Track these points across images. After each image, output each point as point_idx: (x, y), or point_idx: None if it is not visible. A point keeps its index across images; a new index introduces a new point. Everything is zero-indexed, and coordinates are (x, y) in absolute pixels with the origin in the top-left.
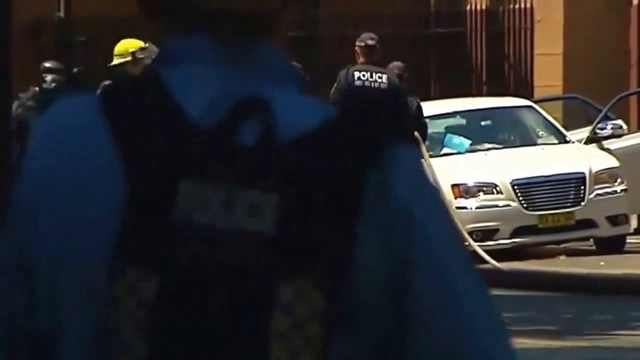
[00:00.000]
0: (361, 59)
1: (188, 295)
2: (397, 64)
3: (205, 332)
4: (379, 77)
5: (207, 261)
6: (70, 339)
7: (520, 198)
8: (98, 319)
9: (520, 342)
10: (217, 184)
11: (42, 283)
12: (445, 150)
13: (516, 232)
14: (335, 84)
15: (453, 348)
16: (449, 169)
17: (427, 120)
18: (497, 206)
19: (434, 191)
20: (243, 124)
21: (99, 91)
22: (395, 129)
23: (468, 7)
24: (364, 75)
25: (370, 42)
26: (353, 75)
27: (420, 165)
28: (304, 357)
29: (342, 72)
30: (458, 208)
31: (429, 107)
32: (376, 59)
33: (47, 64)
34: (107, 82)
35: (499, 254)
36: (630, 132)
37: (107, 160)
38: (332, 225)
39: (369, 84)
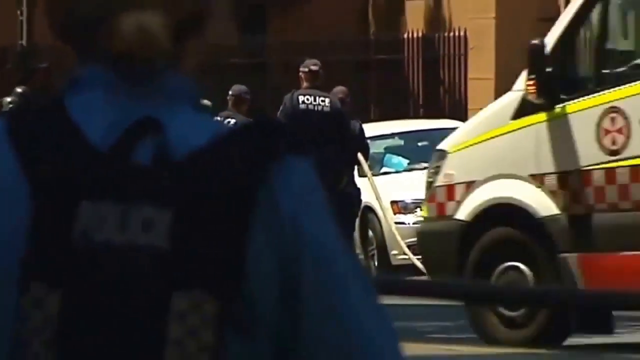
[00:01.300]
0: (305, 84)
1: (89, 308)
2: (340, 88)
3: (107, 343)
4: (322, 101)
5: (105, 276)
6: None
7: None
8: (11, 333)
9: (452, 349)
10: (114, 203)
11: None
12: (384, 170)
13: None
14: (281, 107)
15: (343, 351)
16: (388, 187)
17: (368, 141)
18: None
19: (322, 198)
20: (138, 144)
21: (4, 115)
22: (289, 140)
23: (406, 35)
24: (307, 99)
25: (313, 68)
26: (297, 99)
27: (311, 174)
28: None
29: (287, 96)
30: (397, 223)
31: (370, 129)
32: (319, 83)
33: (18, 89)
34: (10, 105)
35: None
36: None
37: (13, 181)
38: (223, 238)
39: (312, 107)
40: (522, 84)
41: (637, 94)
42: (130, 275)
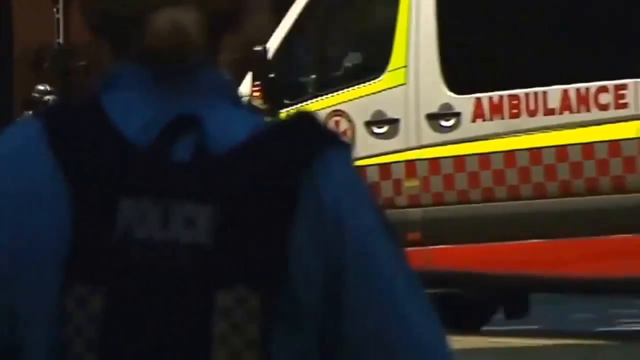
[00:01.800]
0: None
1: (133, 307)
2: None
3: (152, 342)
4: None
5: (148, 274)
6: (28, 353)
7: None
8: (55, 334)
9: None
10: (154, 200)
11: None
12: None
13: None
14: None
15: (390, 344)
16: None
17: None
18: None
19: (364, 191)
20: (177, 141)
21: (41, 116)
22: (327, 135)
23: None
24: None
25: None
26: None
27: (352, 167)
28: (245, 357)
29: None
30: None
31: None
32: None
33: (40, 87)
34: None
35: None
36: None
37: (51, 182)
38: (266, 234)
39: None
40: (247, 89)
41: (360, 97)
42: (173, 273)
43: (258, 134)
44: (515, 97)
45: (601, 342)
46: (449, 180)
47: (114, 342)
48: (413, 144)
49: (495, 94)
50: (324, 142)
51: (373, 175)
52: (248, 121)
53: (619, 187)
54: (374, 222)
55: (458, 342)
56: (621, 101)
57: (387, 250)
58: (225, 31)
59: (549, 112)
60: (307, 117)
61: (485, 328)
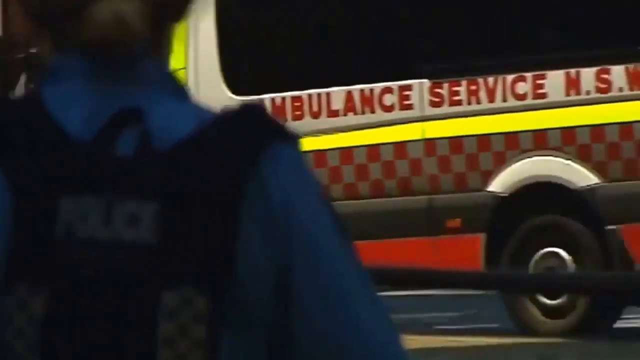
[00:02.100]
0: None
1: (75, 308)
2: None
3: (95, 344)
4: None
5: (91, 273)
6: None
7: None
8: None
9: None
10: (96, 197)
11: None
12: None
13: None
14: None
15: (343, 344)
16: None
17: None
18: None
19: (314, 186)
20: (119, 135)
21: None
22: (274, 128)
23: None
24: None
25: None
26: None
27: (301, 161)
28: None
29: None
30: None
31: None
32: None
33: None
34: None
35: None
36: None
37: None
38: (212, 232)
39: None
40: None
41: None
42: (117, 272)
43: (203, 128)
44: (299, 98)
45: (561, 340)
46: None
47: (56, 345)
48: None
49: (278, 96)
50: (271, 135)
51: None
52: (193, 114)
53: (406, 189)
54: (325, 219)
55: (413, 341)
56: (406, 102)
57: (338, 248)
58: (168, 22)
59: (333, 113)
60: (254, 110)
61: (441, 327)
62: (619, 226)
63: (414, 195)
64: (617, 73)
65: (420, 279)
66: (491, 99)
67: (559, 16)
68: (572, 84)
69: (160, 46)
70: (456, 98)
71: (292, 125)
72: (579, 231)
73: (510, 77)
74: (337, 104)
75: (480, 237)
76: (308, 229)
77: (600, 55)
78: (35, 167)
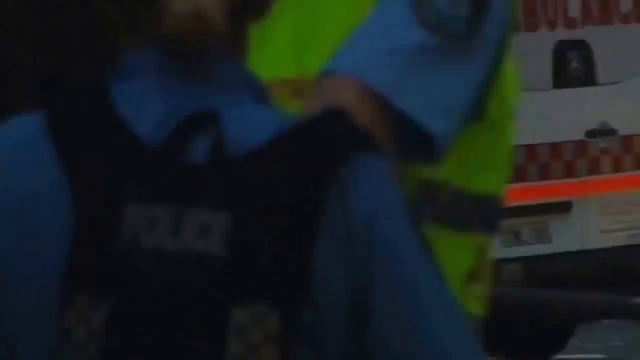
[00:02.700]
0: None
1: (138, 323)
2: None
3: None
4: None
5: (157, 286)
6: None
7: None
8: (51, 347)
9: None
10: (165, 205)
11: None
12: None
13: None
14: None
15: (409, 356)
16: None
17: None
18: None
19: (398, 203)
20: (191, 139)
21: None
22: (359, 136)
23: None
24: None
25: None
26: None
27: (386, 173)
28: None
29: None
30: None
31: None
32: None
33: None
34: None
35: None
36: None
37: (52, 184)
38: (288, 245)
39: None
40: None
41: None
42: (184, 286)
43: (282, 134)
44: None
45: None
46: None
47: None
48: None
49: None
50: (354, 145)
51: None
52: (271, 119)
53: None
54: (407, 237)
55: None
56: None
57: (419, 270)
58: (248, 20)
59: None
60: (337, 116)
61: None
62: None
63: None
64: None
65: None
66: None
67: None
68: None
69: (240, 45)
70: None
71: None
72: None
73: None
74: None
75: None
76: (390, 251)
77: None
78: (101, 172)
